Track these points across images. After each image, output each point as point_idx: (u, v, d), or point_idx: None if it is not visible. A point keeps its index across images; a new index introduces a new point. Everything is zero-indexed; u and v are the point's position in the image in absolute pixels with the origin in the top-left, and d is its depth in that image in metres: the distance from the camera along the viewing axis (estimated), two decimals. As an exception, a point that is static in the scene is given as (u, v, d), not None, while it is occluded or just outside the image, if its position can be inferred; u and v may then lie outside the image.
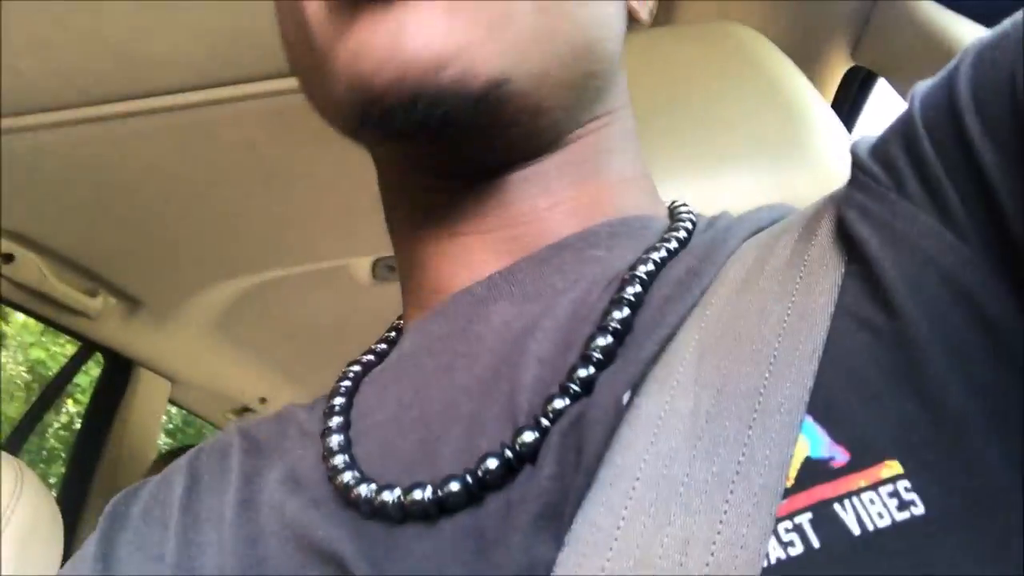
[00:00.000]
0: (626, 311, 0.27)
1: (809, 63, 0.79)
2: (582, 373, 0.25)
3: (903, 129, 0.25)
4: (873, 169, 0.25)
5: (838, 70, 0.87)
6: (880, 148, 0.26)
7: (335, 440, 0.31)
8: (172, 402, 1.83)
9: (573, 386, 0.25)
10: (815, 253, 0.26)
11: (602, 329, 0.27)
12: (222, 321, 1.58)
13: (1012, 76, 0.22)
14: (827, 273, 0.24)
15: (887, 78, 0.81)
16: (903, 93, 0.80)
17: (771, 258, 0.27)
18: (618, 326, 0.26)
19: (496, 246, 0.33)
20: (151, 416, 1.69)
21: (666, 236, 0.31)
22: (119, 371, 1.59)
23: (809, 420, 0.21)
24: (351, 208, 1.22)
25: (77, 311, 1.31)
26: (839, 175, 0.58)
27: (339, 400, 0.33)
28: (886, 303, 0.22)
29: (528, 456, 0.25)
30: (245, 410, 2.03)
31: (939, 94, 0.24)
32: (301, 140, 1.01)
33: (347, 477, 0.28)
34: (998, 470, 0.19)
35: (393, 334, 0.39)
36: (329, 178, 1.13)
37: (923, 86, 0.26)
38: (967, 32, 0.68)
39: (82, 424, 1.64)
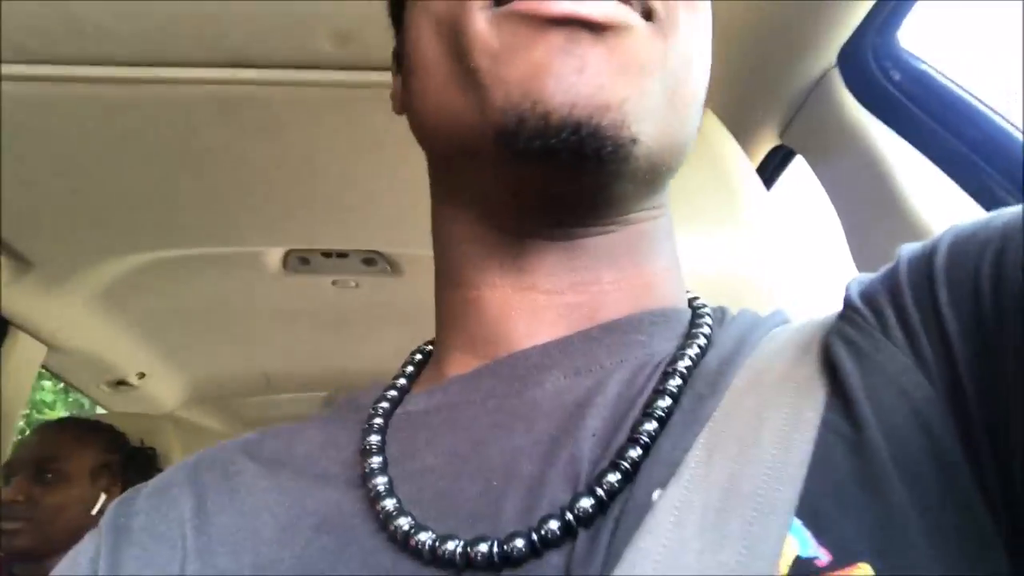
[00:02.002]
0: (668, 401, 0.31)
1: (742, 135, 0.86)
2: (632, 453, 0.29)
3: (890, 283, 0.30)
4: (863, 310, 0.30)
5: (765, 145, 0.95)
6: (869, 294, 0.31)
7: (381, 483, 0.32)
8: (45, 368, 1.73)
9: (624, 463, 0.28)
10: (806, 372, 0.30)
11: (648, 415, 0.30)
12: (113, 292, 1.51)
13: (977, 268, 0.27)
14: (814, 392, 0.29)
15: (807, 159, 0.89)
16: (818, 174, 0.88)
17: (769, 372, 0.31)
18: (662, 414, 0.30)
19: (559, 310, 0.36)
20: (20, 381, 1.60)
21: (694, 332, 0.35)
22: (-8, 331, 1.50)
23: (798, 523, 0.25)
24: (269, 199, 1.21)
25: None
26: (766, 243, 0.64)
27: (375, 439, 0.35)
28: (860, 423, 0.26)
29: (583, 521, 0.28)
30: (121, 383, 1.95)
31: (921, 261, 0.29)
32: (233, 129, 1.01)
33: (403, 523, 0.30)
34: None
35: (411, 368, 0.41)
36: (254, 168, 1.11)
37: (909, 249, 0.31)
38: (881, 134, 0.76)
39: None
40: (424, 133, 0.37)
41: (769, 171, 0.99)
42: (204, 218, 1.26)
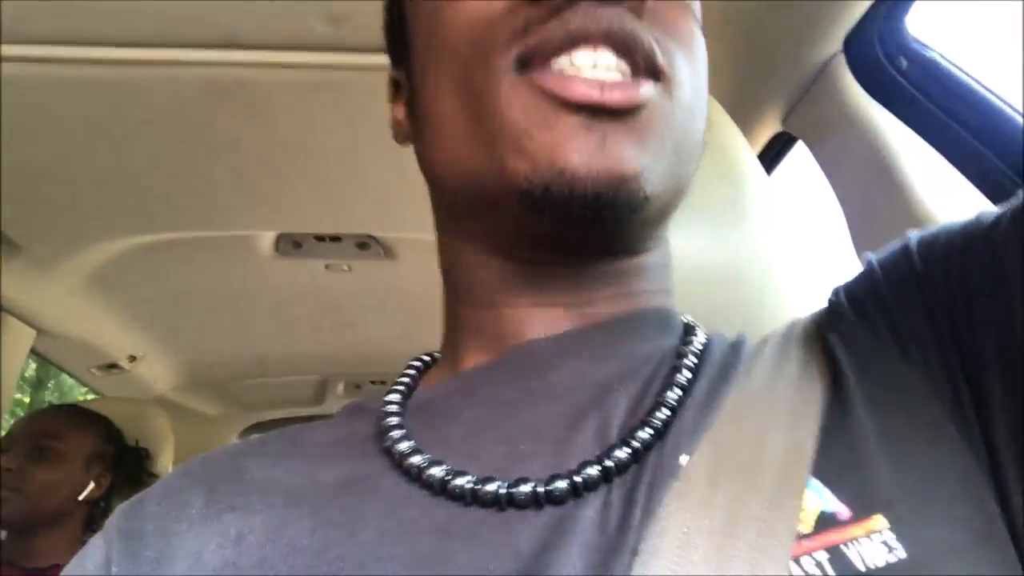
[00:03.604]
0: (688, 375, 0.34)
1: (744, 121, 0.85)
2: (660, 415, 0.32)
3: (872, 288, 0.34)
4: (851, 316, 0.34)
5: (767, 132, 0.93)
6: (855, 298, 0.35)
7: (406, 445, 0.33)
8: (34, 352, 1.71)
9: (655, 421, 0.31)
10: (804, 390, 0.32)
11: (671, 385, 0.33)
12: (103, 276, 1.49)
13: (947, 254, 0.32)
14: (811, 407, 0.31)
15: (809, 146, 0.88)
16: (820, 161, 0.87)
17: (764, 386, 0.33)
18: (685, 383, 0.33)
19: (573, 317, 0.37)
20: (10, 365, 1.58)
21: (689, 331, 0.39)
22: (-20, 315, 1.48)
23: (821, 484, 0.28)
24: (262, 182, 1.20)
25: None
26: (771, 234, 0.63)
27: (394, 419, 0.35)
28: (855, 416, 0.30)
29: (619, 469, 0.30)
30: (112, 366, 1.93)
31: (896, 257, 0.34)
32: (225, 111, 0.99)
33: (437, 472, 0.31)
34: (965, 521, 0.27)
35: (413, 372, 0.42)
36: (246, 151, 1.10)
37: (879, 254, 0.35)
38: (886, 122, 0.75)
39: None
40: (437, 180, 0.38)
41: (770, 158, 0.98)
42: (196, 201, 1.24)
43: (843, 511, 0.27)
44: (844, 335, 0.34)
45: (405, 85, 0.41)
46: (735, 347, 0.37)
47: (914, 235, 0.34)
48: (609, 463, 0.30)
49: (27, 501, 1.27)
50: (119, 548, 0.33)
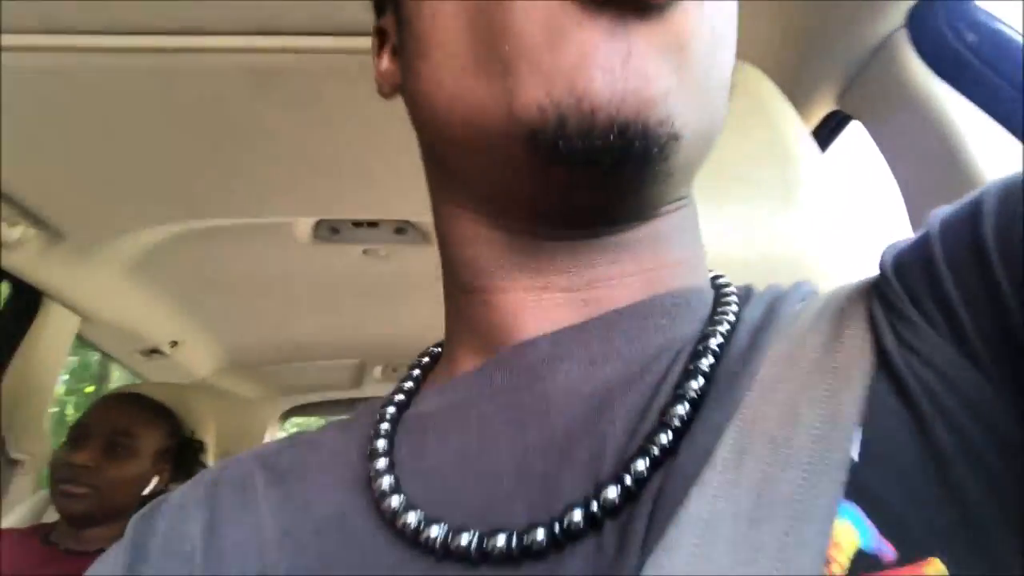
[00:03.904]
0: (701, 381, 0.28)
1: (798, 101, 0.81)
2: (662, 439, 0.27)
3: (925, 263, 0.27)
4: (901, 295, 0.27)
5: (821, 111, 0.90)
6: (904, 275, 0.28)
7: (386, 482, 0.30)
8: (80, 338, 1.74)
9: (653, 448, 0.26)
10: (843, 359, 0.27)
11: (679, 397, 0.28)
12: (145, 262, 1.51)
13: None
14: (855, 382, 0.26)
15: (866, 125, 0.84)
16: (878, 141, 0.83)
17: (801, 359, 0.28)
18: (695, 395, 0.28)
19: (573, 305, 0.33)
20: (56, 351, 1.61)
21: (722, 310, 0.33)
22: (27, 302, 1.50)
23: (859, 512, 0.22)
24: (300, 169, 1.19)
25: (-9, 237, 1.23)
26: (825, 221, 0.60)
27: (382, 443, 0.33)
28: (915, 415, 0.24)
29: (609, 512, 0.26)
30: (154, 351, 1.96)
31: (962, 233, 0.26)
32: (263, 98, 0.98)
33: (411, 519, 0.28)
34: (1019, 567, 0.21)
35: (417, 372, 0.39)
36: (285, 138, 1.09)
37: (941, 216, 0.28)
38: (950, 99, 0.71)
39: (-18, 353, 1.55)
40: (430, 125, 0.33)
41: (822, 138, 0.94)
42: (234, 188, 1.24)
43: (887, 551, 0.22)
44: (892, 317, 0.27)
45: (392, 28, 0.37)
46: (771, 310, 0.32)
47: (993, 187, 0.26)
48: (595, 507, 0.26)
49: (98, 498, 1.27)
50: (127, 561, 0.33)
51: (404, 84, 0.35)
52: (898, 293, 0.27)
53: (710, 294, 0.35)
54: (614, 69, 0.26)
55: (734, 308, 0.33)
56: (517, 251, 0.33)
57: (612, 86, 0.26)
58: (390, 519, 0.29)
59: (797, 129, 0.65)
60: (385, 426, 0.34)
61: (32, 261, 1.35)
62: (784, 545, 0.22)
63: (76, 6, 0.79)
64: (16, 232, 1.23)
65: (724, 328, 0.31)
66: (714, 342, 0.30)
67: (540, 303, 0.33)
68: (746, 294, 0.35)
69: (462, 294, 0.36)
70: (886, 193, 0.83)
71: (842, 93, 0.84)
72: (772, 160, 0.62)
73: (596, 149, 0.27)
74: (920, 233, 0.28)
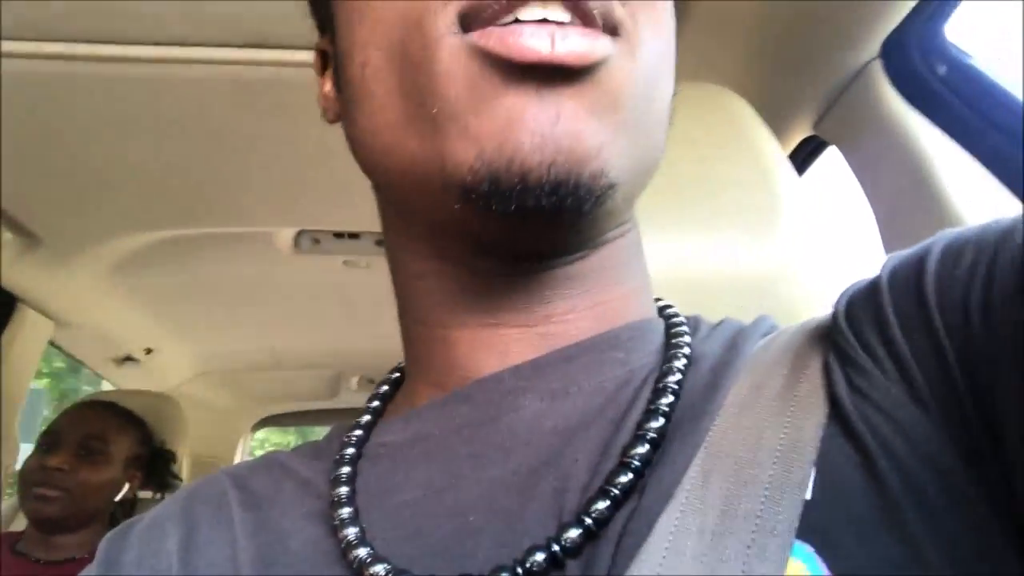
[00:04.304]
0: (661, 421, 0.29)
1: (775, 125, 0.83)
2: (622, 479, 0.27)
3: (875, 310, 0.28)
4: (852, 342, 0.28)
5: (798, 135, 0.92)
6: (855, 322, 0.28)
7: (344, 512, 0.31)
8: (52, 344, 1.72)
9: (613, 490, 0.27)
10: (803, 391, 0.28)
11: (639, 438, 0.28)
12: (122, 269, 1.50)
13: (968, 287, 0.25)
14: (813, 412, 0.27)
15: (842, 151, 0.86)
16: (853, 167, 0.85)
17: (766, 388, 0.29)
18: (655, 436, 0.28)
19: (530, 340, 0.33)
20: (28, 356, 1.59)
21: (675, 342, 0.33)
22: (0, 307, 1.48)
23: (809, 549, 0.23)
24: (282, 179, 1.20)
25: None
26: (803, 243, 0.62)
27: (345, 470, 0.33)
28: (867, 454, 0.25)
29: (571, 552, 0.26)
30: (128, 359, 1.94)
31: (908, 284, 0.27)
32: (246, 109, 0.98)
33: (362, 553, 0.29)
34: None
35: (377, 403, 0.39)
36: (267, 148, 1.09)
37: (892, 264, 0.29)
38: (922, 128, 0.73)
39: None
40: (369, 167, 0.33)
41: (798, 163, 0.96)
42: (216, 197, 1.24)
43: None
44: (845, 364, 0.28)
45: (332, 53, 0.36)
46: (732, 347, 0.32)
47: (937, 245, 0.27)
48: (557, 549, 0.26)
49: (70, 501, 1.27)
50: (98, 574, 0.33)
51: (343, 119, 0.35)
52: (850, 341, 0.28)
53: (660, 323, 0.36)
54: (543, 132, 0.26)
55: (686, 339, 0.33)
56: (468, 288, 0.33)
57: (542, 149, 0.26)
58: (343, 551, 0.29)
59: (775, 153, 0.67)
60: (349, 451, 0.34)
61: (7, 266, 1.33)
62: (746, 557, 0.23)
63: (56, 15, 0.79)
64: (-9, 237, 1.22)
65: (681, 363, 0.31)
66: (672, 379, 0.30)
67: (496, 338, 0.33)
68: (695, 324, 0.36)
69: (417, 327, 0.36)
70: (862, 217, 0.85)
71: (819, 119, 0.86)
72: (751, 183, 0.63)
73: (529, 208, 0.27)
74: (872, 278, 0.29)
